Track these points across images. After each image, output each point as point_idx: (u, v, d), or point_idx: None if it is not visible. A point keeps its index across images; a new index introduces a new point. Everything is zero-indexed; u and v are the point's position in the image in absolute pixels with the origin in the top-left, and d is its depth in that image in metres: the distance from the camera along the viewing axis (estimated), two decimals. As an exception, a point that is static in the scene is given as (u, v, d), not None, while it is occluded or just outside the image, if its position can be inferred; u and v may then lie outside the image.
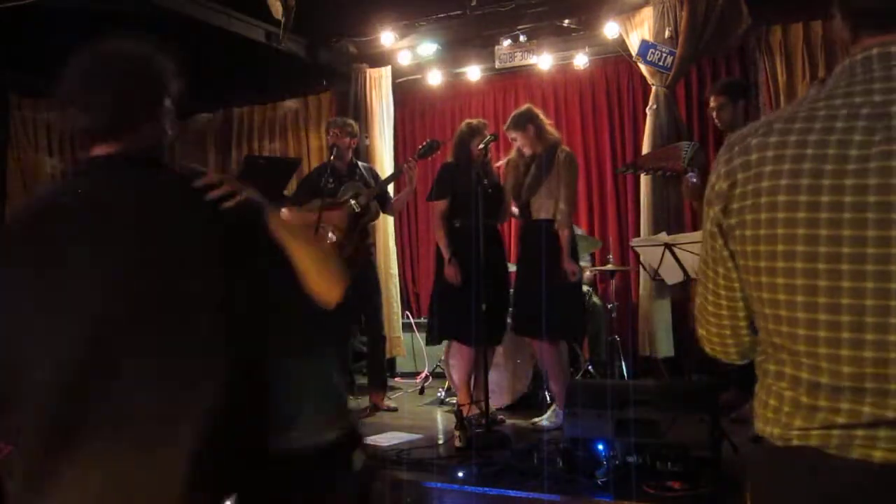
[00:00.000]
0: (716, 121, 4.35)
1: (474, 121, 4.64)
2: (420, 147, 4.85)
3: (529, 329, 4.33)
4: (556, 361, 4.28)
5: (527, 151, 4.34)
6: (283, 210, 4.84)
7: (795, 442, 1.04)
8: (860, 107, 1.01)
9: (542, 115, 4.39)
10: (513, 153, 4.49)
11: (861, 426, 0.98)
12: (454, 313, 4.44)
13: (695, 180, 4.17)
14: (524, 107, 4.47)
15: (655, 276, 4.15)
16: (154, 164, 1.39)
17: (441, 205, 4.53)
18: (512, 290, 4.60)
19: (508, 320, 4.63)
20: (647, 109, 5.28)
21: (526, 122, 4.31)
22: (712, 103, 4.30)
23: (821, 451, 1.01)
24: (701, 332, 1.25)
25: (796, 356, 1.04)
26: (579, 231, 5.62)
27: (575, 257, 4.31)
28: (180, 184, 1.38)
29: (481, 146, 4.36)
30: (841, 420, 0.99)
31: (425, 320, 5.98)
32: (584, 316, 4.66)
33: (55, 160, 6.29)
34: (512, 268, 4.91)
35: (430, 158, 5.04)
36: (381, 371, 5.16)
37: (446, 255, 4.47)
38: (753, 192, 1.06)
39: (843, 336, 0.98)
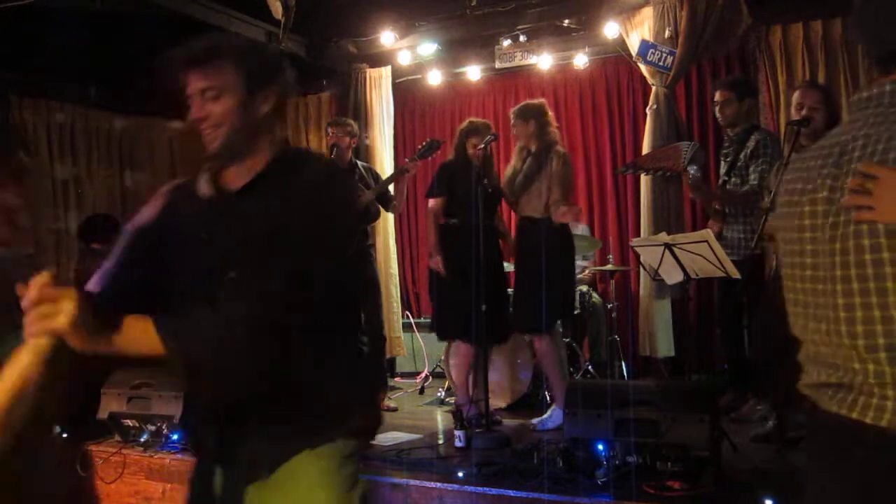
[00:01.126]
0: (717, 115, 4.31)
1: (478, 120, 4.60)
2: (420, 147, 4.85)
3: (526, 325, 4.33)
4: (555, 357, 4.25)
5: (520, 144, 4.33)
6: None
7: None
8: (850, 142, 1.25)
9: (550, 115, 4.35)
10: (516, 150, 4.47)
11: (813, 385, 1.33)
12: (453, 312, 4.41)
13: (695, 174, 4.15)
14: (538, 100, 4.43)
15: (655, 276, 4.15)
16: None
17: (435, 202, 4.52)
18: (511, 289, 4.59)
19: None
20: (647, 109, 5.28)
21: (530, 115, 4.28)
22: (717, 97, 4.27)
23: (810, 399, 1.34)
24: None
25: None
26: (582, 230, 5.61)
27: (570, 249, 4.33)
28: None
29: (481, 146, 4.34)
30: (808, 379, 1.35)
31: (425, 320, 5.99)
32: (572, 295, 4.55)
33: (55, 161, 6.28)
34: (509, 267, 4.90)
35: (430, 158, 5.04)
36: (381, 371, 5.16)
37: (435, 253, 4.46)
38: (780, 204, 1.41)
39: (809, 323, 1.33)
